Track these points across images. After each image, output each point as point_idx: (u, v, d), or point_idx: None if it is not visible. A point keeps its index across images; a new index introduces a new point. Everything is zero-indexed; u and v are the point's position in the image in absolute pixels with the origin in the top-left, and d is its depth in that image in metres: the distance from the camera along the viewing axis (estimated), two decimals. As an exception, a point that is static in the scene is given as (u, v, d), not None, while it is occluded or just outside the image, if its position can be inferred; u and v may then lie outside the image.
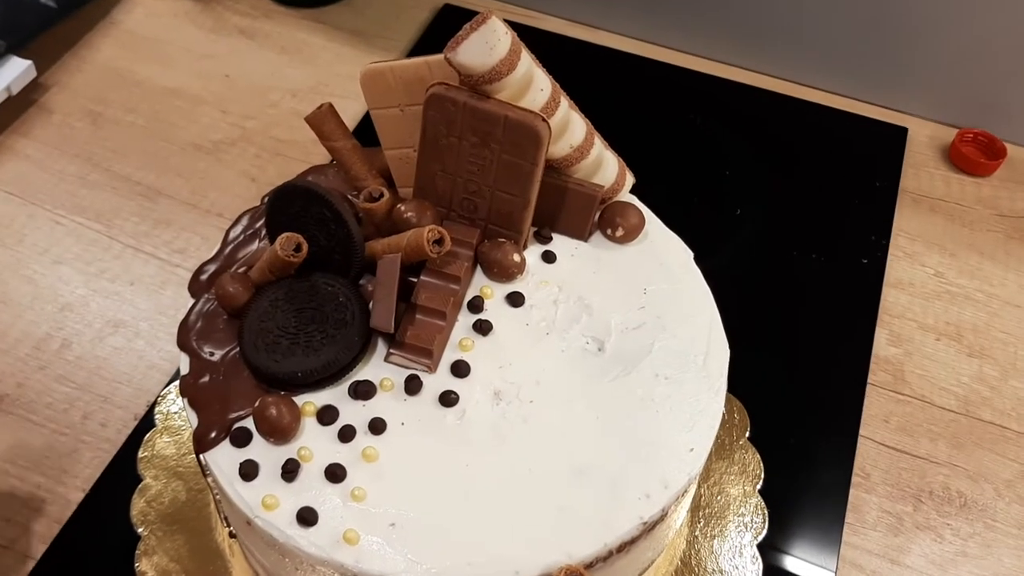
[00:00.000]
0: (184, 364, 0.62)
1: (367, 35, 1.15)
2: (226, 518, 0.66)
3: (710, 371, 0.64)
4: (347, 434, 0.58)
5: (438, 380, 0.61)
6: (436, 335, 0.61)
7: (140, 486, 0.75)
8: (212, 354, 0.62)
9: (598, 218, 0.69)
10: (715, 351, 0.65)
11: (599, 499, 0.57)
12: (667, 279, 0.68)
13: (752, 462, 0.79)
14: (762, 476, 0.78)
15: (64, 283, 0.88)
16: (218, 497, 0.62)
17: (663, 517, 0.59)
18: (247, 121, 1.03)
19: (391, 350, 0.61)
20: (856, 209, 1.00)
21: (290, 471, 0.56)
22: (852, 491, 0.79)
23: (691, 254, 0.70)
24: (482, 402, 0.60)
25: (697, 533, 0.75)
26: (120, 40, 1.12)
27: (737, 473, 0.78)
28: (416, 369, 0.61)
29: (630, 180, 0.71)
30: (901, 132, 1.07)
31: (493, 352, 0.62)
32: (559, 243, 0.68)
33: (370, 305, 0.61)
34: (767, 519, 0.75)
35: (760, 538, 0.75)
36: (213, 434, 0.59)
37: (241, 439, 0.58)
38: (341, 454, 0.58)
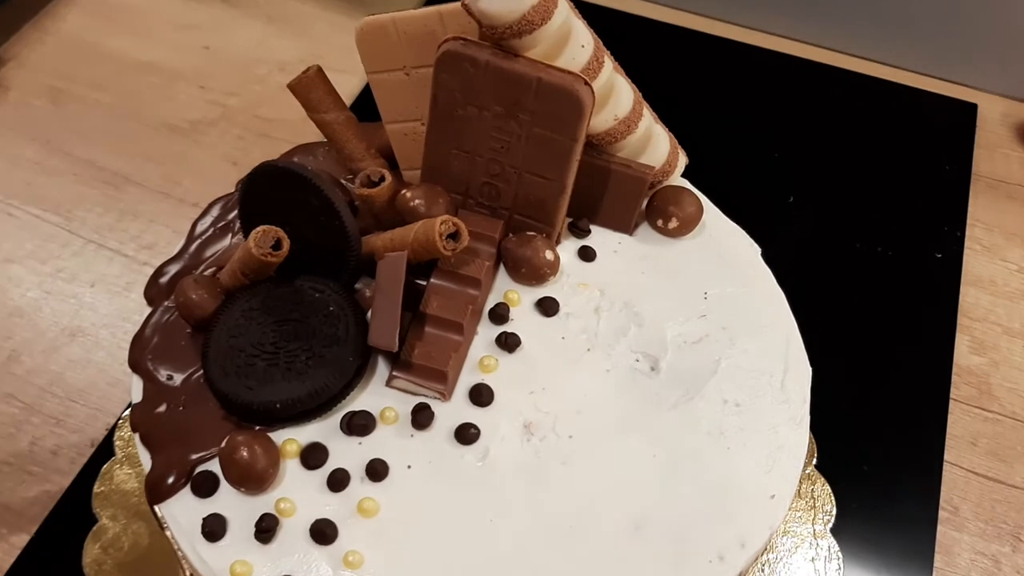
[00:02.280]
0: (136, 389, 0.50)
1: (366, 2, 1.02)
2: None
3: (789, 395, 0.51)
4: (339, 481, 0.46)
5: (453, 410, 0.49)
6: (451, 353, 0.49)
7: (95, 528, 0.62)
8: (171, 378, 0.50)
9: (646, 207, 0.57)
10: (794, 370, 0.53)
11: (660, 563, 0.45)
12: (731, 280, 0.56)
13: (821, 495, 0.66)
14: (834, 512, 0.65)
15: (14, 285, 0.76)
16: (180, 553, 0.50)
17: (739, 582, 0.47)
18: (229, 98, 0.91)
19: (394, 372, 0.49)
20: (924, 196, 0.87)
21: (266, 530, 0.44)
22: (940, 528, 0.67)
23: (758, 250, 0.58)
24: (509, 438, 0.48)
25: (761, 583, 0.62)
26: (88, 8, 1.00)
27: (804, 509, 0.66)
28: (426, 396, 0.49)
29: (683, 161, 0.59)
30: (970, 109, 0.95)
31: (522, 374, 0.50)
32: (599, 237, 0.56)
33: (368, 316, 0.49)
34: (842, 565, 0.63)
35: (837, 588, 0.63)
36: (171, 479, 0.46)
37: (205, 487, 0.46)
38: (331, 507, 0.45)
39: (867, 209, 0.86)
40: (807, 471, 0.67)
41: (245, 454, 0.45)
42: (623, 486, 0.47)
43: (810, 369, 0.53)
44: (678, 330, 0.53)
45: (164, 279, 0.54)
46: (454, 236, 0.49)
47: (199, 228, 0.56)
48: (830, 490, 0.66)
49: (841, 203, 0.86)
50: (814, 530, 0.65)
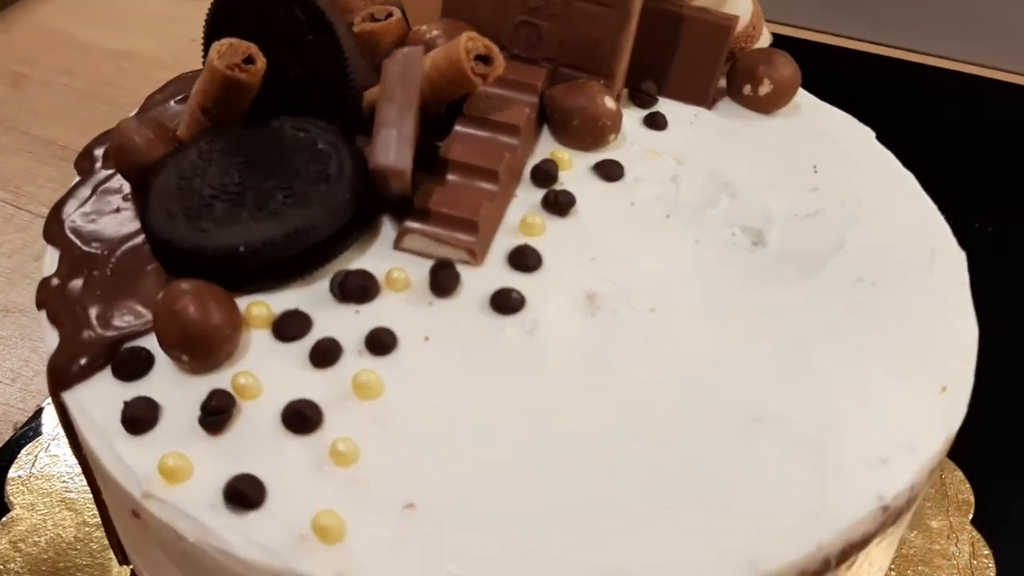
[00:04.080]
0: (50, 262, 0.36)
1: None
2: (118, 544, 0.39)
3: (942, 280, 0.38)
4: (326, 354, 0.32)
5: (488, 276, 0.35)
6: (483, 202, 0.35)
7: (5, 519, 0.47)
8: (95, 244, 0.36)
9: (726, 75, 0.45)
10: (943, 255, 0.39)
11: (795, 465, 0.30)
12: (844, 157, 0.43)
13: (954, 482, 0.51)
14: (972, 502, 0.50)
15: (-55, 259, 0.63)
16: (92, 458, 0.35)
17: (909, 504, 0.32)
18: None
19: (408, 222, 0.35)
20: None
21: (216, 412, 0.30)
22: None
23: (871, 133, 0.45)
24: (566, 310, 0.34)
25: (890, 586, 0.47)
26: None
27: (935, 499, 0.50)
28: (450, 256, 0.35)
29: (767, 34, 0.47)
30: None
31: (579, 238, 0.37)
32: (668, 109, 0.43)
33: (369, 146, 0.35)
34: (995, 562, 0.48)
35: (990, 593, 0.47)
36: (83, 360, 0.32)
37: (132, 367, 0.32)
38: (314, 386, 0.31)
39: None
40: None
41: (191, 306, 0.31)
42: (731, 372, 0.33)
43: (963, 254, 0.39)
44: (786, 203, 0.39)
45: (98, 152, 0.41)
46: (485, 60, 0.36)
47: (157, 98, 0.44)
48: (962, 475, 0.51)
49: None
50: (950, 523, 0.49)
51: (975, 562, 0.48)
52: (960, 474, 0.51)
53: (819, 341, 0.34)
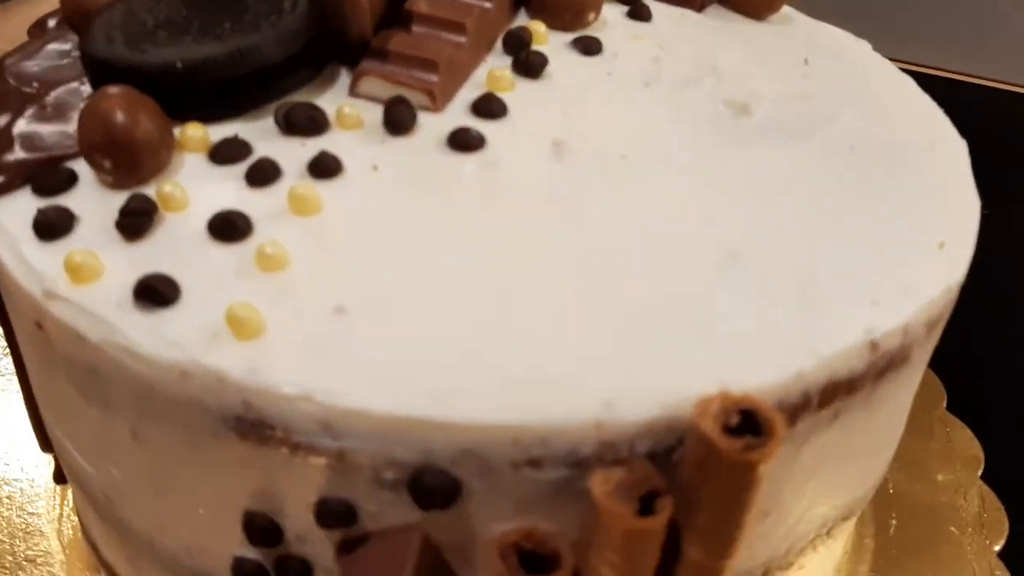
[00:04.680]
0: (-17, 104, 0.34)
1: None
2: (40, 428, 0.35)
3: (942, 156, 0.35)
4: (264, 173, 0.29)
5: (448, 119, 0.32)
6: (448, 49, 0.33)
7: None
8: (34, 84, 0.34)
9: (716, -26, 0.43)
10: (944, 143, 0.36)
11: (776, 300, 0.27)
12: (838, 57, 0.40)
13: (961, 440, 0.48)
14: (982, 458, 0.47)
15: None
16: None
17: (905, 358, 0.29)
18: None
19: (365, 63, 0.33)
20: None
21: (134, 213, 0.27)
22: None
23: (868, 45, 0.43)
24: (532, 154, 0.31)
25: (891, 534, 0.43)
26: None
27: (941, 455, 0.47)
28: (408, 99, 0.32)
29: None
30: None
31: (549, 97, 0.34)
32: (654, 8, 0.41)
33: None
34: (1006, 514, 0.44)
35: (1000, 544, 0.43)
36: (1, 178, 0.30)
37: (53, 182, 0.29)
38: (247, 201, 0.28)
39: None
40: (937, 413, 0.49)
41: (117, 109, 0.28)
42: (708, 215, 0.30)
43: (964, 142, 0.36)
44: (775, 86, 0.37)
45: (53, 20, 0.39)
46: (458, -84, 0.34)
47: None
48: (971, 434, 0.48)
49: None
50: (957, 476, 0.46)
51: (985, 515, 0.44)
52: (969, 432, 0.48)
53: (807, 195, 0.32)
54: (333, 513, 0.25)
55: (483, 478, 0.25)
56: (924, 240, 0.30)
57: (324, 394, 0.24)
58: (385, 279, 0.27)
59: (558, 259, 0.28)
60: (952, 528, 0.43)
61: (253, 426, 0.24)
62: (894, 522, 0.43)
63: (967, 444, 0.47)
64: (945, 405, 0.49)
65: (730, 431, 0.22)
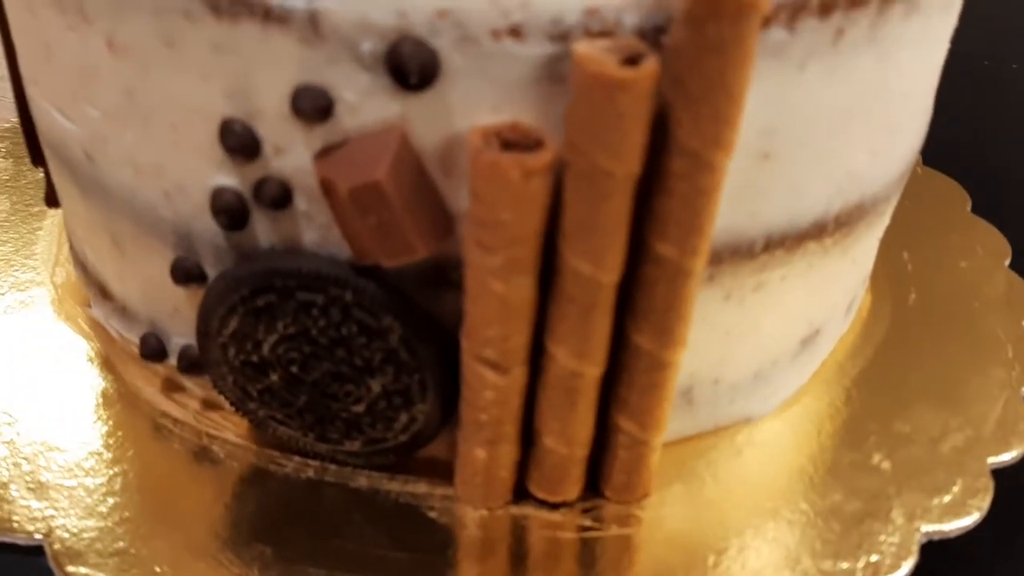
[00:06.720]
0: None
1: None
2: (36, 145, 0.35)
3: None
4: None
5: None
6: None
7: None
8: None
9: None
10: None
11: None
12: None
13: (986, 234, 0.46)
14: (1008, 251, 0.45)
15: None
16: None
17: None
18: None
19: None
20: None
21: None
22: None
23: None
24: None
25: (910, 304, 0.41)
26: None
27: (961, 249, 0.45)
28: None
29: None
30: None
31: None
32: None
33: None
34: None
35: (1028, 320, 0.41)
36: None
37: None
38: None
39: None
40: (961, 215, 0.47)
41: None
42: None
43: None
44: None
45: None
46: None
47: None
48: (999, 232, 0.46)
49: None
50: (985, 264, 0.44)
51: (1012, 297, 0.42)
52: (995, 229, 0.46)
53: None
54: (308, 101, 0.25)
55: (462, 51, 0.24)
56: None
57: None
58: None
59: None
60: (976, 303, 0.41)
61: (227, -2, 0.24)
62: (913, 296, 0.41)
63: (993, 238, 0.45)
64: (970, 208, 0.47)
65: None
